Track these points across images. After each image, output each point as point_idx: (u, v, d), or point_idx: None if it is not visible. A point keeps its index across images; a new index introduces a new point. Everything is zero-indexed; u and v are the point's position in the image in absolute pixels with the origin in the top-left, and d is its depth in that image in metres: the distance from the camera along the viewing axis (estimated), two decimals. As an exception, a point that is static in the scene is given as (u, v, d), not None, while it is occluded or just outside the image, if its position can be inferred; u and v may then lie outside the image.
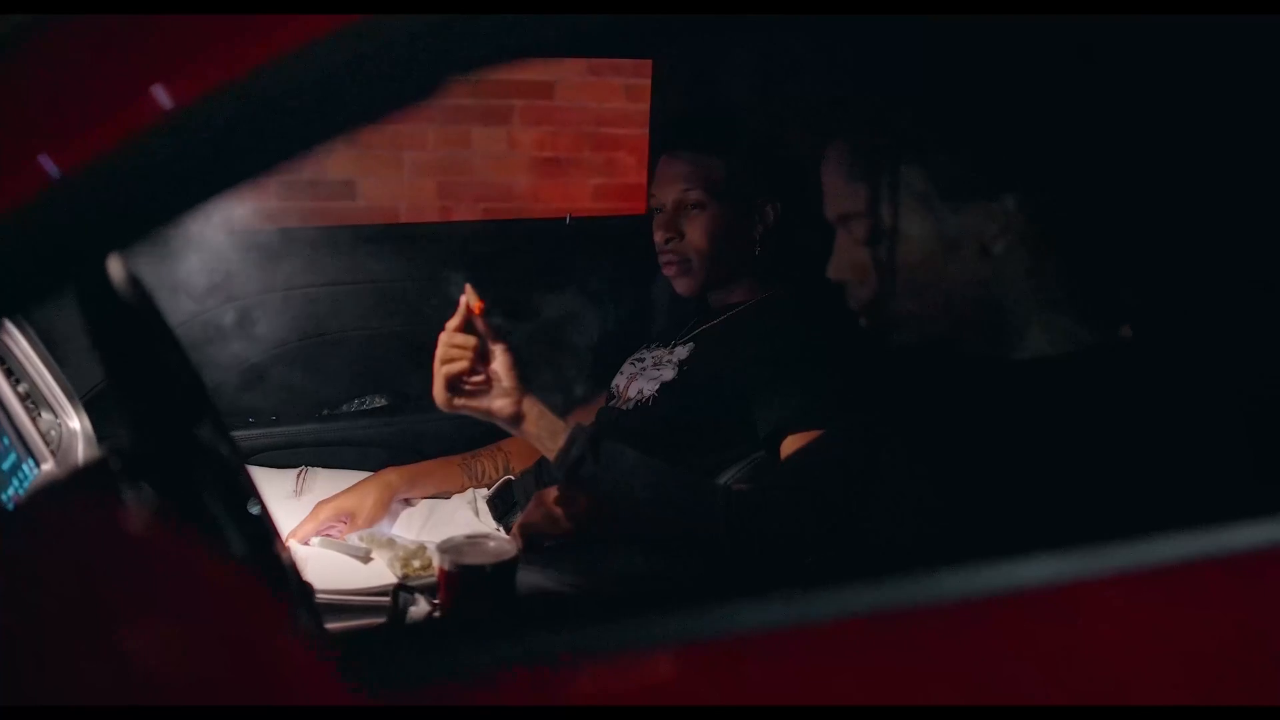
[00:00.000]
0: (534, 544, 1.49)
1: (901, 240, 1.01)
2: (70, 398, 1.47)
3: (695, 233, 1.64)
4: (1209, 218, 1.11)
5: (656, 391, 1.64)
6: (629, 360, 1.78)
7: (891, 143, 1.02)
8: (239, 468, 0.91)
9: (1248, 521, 0.72)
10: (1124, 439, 0.92)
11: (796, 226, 1.65)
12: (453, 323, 1.34)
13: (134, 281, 0.84)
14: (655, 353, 1.74)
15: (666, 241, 1.66)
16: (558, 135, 3.70)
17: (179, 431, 0.79)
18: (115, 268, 0.81)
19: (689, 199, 1.64)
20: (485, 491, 1.82)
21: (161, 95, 0.59)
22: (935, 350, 1.05)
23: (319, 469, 1.85)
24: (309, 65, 0.61)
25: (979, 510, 0.96)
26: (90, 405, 1.52)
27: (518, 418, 1.35)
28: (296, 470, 1.83)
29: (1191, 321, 1.07)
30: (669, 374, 1.66)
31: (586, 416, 1.75)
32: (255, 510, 0.86)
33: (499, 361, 1.35)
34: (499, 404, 1.35)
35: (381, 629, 1.24)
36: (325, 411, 2.08)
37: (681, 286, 1.68)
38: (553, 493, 1.48)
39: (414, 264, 2.12)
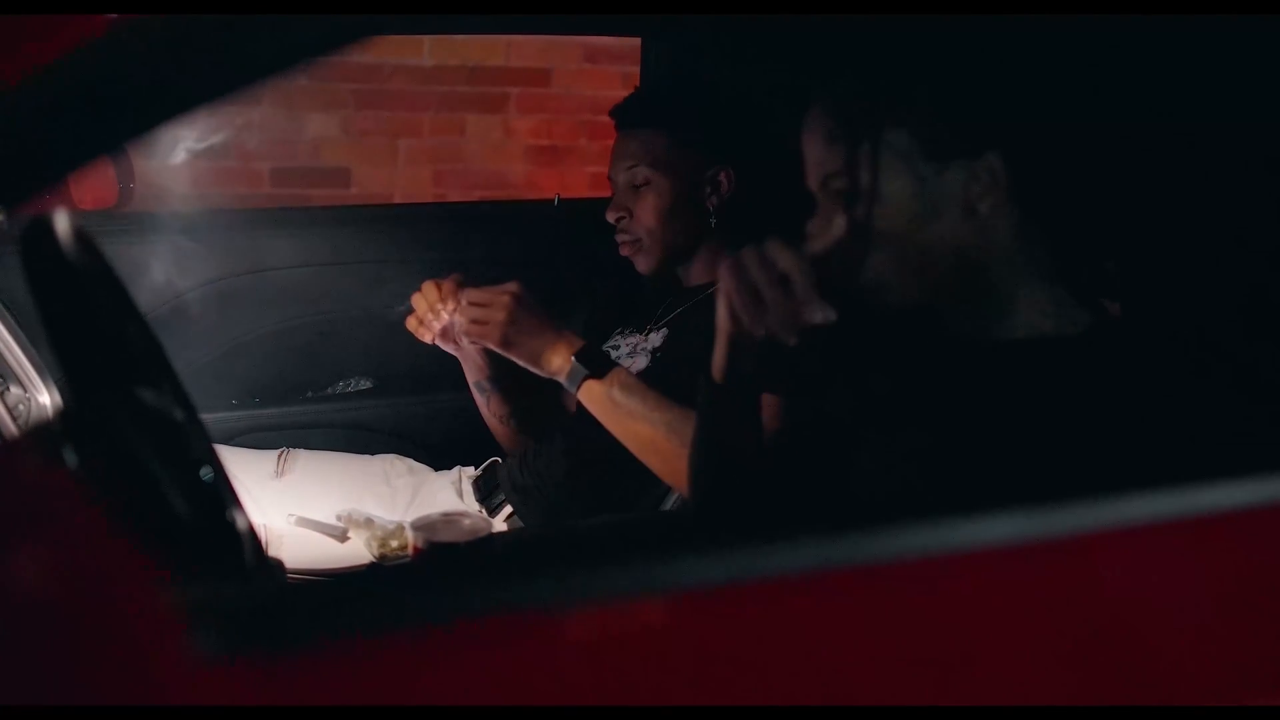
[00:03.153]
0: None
1: (885, 203, 0.98)
2: (40, 372, 1.45)
3: (644, 211, 1.63)
4: (1194, 193, 1.09)
5: None
6: (603, 347, 1.72)
7: (872, 105, 1.00)
8: (194, 433, 0.89)
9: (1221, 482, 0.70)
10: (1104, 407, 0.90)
11: (759, 192, 1.61)
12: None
13: (82, 239, 0.82)
14: (630, 339, 1.72)
15: (618, 221, 1.66)
16: (554, 123, 3.67)
17: (120, 393, 0.77)
18: (62, 223, 0.79)
19: (635, 177, 1.63)
20: (472, 471, 1.81)
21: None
22: (920, 316, 1.03)
23: (301, 450, 1.83)
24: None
25: (954, 477, 0.94)
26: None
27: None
28: (278, 451, 1.81)
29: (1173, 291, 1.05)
30: (642, 362, 1.63)
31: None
32: (207, 476, 0.84)
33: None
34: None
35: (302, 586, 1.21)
36: (309, 394, 2.06)
37: (640, 265, 1.67)
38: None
39: (400, 245, 2.10)
